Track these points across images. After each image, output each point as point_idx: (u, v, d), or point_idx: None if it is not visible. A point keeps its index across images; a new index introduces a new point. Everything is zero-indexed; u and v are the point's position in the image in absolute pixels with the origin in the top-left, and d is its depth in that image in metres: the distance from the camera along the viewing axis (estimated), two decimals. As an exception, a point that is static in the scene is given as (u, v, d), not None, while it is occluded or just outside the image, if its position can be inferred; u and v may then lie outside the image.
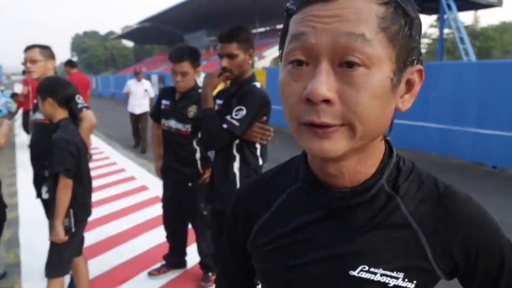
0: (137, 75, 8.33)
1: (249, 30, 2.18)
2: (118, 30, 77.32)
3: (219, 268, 0.85)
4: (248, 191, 0.75)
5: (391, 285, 0.57)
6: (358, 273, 0.58)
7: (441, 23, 16.61)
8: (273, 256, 0.66)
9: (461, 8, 15.61)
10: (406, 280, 0.57)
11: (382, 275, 0.58)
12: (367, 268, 0.58)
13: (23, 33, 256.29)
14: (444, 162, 6.73)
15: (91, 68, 77.80)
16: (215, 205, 2.26)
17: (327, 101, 0.49)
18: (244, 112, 2.04)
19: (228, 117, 2.05)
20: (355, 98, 0.49)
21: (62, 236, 2.19)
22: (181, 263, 3.14)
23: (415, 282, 0.58)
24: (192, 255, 3.10)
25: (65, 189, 2.18)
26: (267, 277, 0.69)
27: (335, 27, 0.49)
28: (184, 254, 3.12)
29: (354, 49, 0.49)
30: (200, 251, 2.92)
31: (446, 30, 19.10)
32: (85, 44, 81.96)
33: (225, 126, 2.03)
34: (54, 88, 2.28)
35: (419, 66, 0.56)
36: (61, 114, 2.31)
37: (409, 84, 0.56)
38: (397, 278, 0.57)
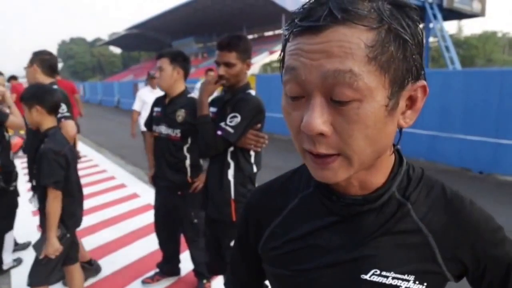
0: (152, 81, 6.27)
1: (248, 39, 2.19)
2: (105, 37, 76.85)
3: (228, 274, 0.86)
4: (260, 197, 0.76)
5: (402, 287, 0.59)
6: (370, 276, 0.60)
7: (427, 32, 16.93)
8: (284, 260, 0.67)
9: (446, 18, 15.97)
10: (417, 282, 0.59)
11: (393, 278, 0.59)
12: (378, 272, 0.60)
13: (9, 38, 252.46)
14: (433, 168, 6.83)
15: (78, 75, 76.95)
16: (209, 213, 2.26)
17: (321, 133, 0.51)
18: (238, 119, 2.05)
19: (222, 124, 2.06)
20: (348, 130, 0.51)
21: (57, 246, 2.15)
22: (175, 271, 3.11)
23: (425, 284, 0.60)
24: (186, 263, 3.08)
25: (55, 201, 2.15)
26: (278, 281, 0.70)
27: (322, 64, 0.49)
28: (178, 261, 3.10)
29: (343, 86, 0.49)
30: (193, 259, 2.90)
31: (430, 39, 19.47)
32: (71, 50, 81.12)
33: (219, 133, 2.04)
34: (42, 95, 2.22)
35: (422, 82, 0.55)
36: (49, 122, 2.26)
37: (411, 100, 0.56)
38: (408, 281, 0.59)
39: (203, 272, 2.87)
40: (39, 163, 2.15)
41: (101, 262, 3.40)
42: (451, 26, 71.15)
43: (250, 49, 2.16)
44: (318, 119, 0.50)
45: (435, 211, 0.62)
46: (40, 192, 2.24)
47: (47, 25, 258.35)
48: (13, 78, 8.82)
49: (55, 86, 2.85)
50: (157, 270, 3.09)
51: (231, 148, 2.13)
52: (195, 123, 2.19)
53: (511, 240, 0.64)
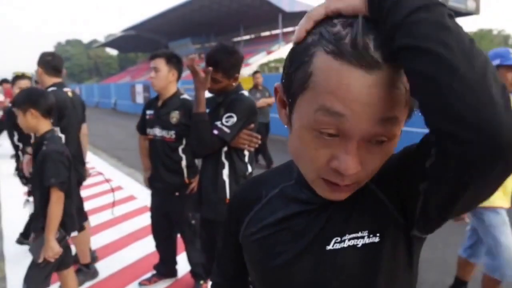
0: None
1: (238, 53, 2.17)
2: (101, 39, 76.70)
3: (215, 264, 0.88)
4: (245, 188, 0.80)
5: (360, 245, 0.60)
6: (332, 246, 0.62)
7: (422, 31, 16.95)
8: (260, 245, 0.70)
9: (441, 16, 15.98)
10: (371, 235, 0.60)
11: (350, 239, 0.61)
12: (339, 239, 0.62)
13: (5, 41, 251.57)
14: (429, 166, 6.85)
15: (74, 77, 76.82)
16: (205, 214, 2.26)
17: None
18: (234, 119, 2.07)
19: (218, 124, 2.06)
20: (374, 164, 0.54)
21: (57, 249, 2.14)
22: (172, 272, 3.11)
23: (378, 235, 0.60)
24: (183, 264, 3.08)
25: (59, 202, 2.13)
26: (256, 267, 0.72)
27: (373, 111, 0.48)
28: (175, 263, 3.10)
29: (386, 132, 0.51)
30: (190, 260, 2.90)
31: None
32: (67, 52, 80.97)
33: (215, 132, 2.05)
34: (36, 99, 2.20)
35: None
36: (45, 126, 2.24)
37: None
38: (363, 237, 0.60)
39: (200, 273, 2.87)
40: (42, 165, 2.13)
41: (98, 264, 3.39)
42: (447, 25, 71.42)
43: (239, 64, 2.16)
44: (356, 162, 0.52)
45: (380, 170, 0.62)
46: (39, 195, 2.20)
47: (43, 28, 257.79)
48: (5, 81, 8.62)
49: (67, 89, 3.03)
50: (154, 271, 3.09)
51: (225, 148, 2.14)
52: (191, 119, 2.16)
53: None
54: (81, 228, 3.15)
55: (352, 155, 0.51)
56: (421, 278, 0.63)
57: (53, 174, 2.11)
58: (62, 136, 2.92)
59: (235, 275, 0.84)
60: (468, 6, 16.40)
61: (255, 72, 7.21)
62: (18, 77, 3.60)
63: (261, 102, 6.64)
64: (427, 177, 0.51)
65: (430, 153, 0.49)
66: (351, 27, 0.48)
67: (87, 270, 3.14)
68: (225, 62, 2.08)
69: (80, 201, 3.33)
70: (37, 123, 2.20)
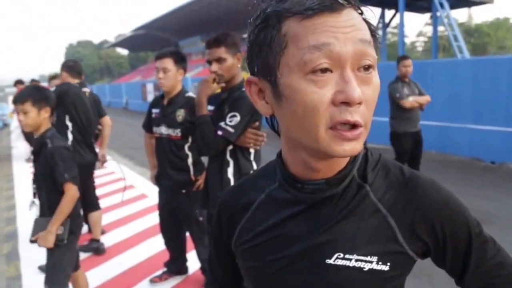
0: None
1: (235, 34, 2.21)
2: (112, 39, 77.40)
3: (208, 273, 0.87)
4: (231, 196, 0.78)
5: (366, 269, 0.60)
6: (334, 261, 0.62)
7: (435, 22, 16.69)
8: (254, 253, 0.70)
9: (453, 6, 15.67)
10: (380, 263, 0.61)
11: (357, 260, 0.61)
12: (342, 255, 0.61)
13: (15, 44, 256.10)
14: (444, 159, 6.75)
15: (86, 77, 77.72)
16: (211, 211, 2.26)
17: (359, 103, 0.55)
18: (238, 118, 2.07)
19: (222, 124, 2.06)
20: (372, 97, 0.56)
21: (51, 244, 2.11)
22: (182, 269, 3.13)
23: (388, 264, 0.61)
24: (193, 261, 3.09)
25: (73, 197, 2.14)
26: (250, 274, 0.72)
27: (354, 35, 0.54)
28: (185, 260, 3.12)
29: (368, 54, 0.55)
30: (200, 256, 2.90)
31: (441, 28, 19.13)
32: (79, 53, 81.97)
33: (220, 132, 2.05)
34: (50, 96, 2.24)
35: None
36: (48, 123, 2.25)
37: None
38: (371, 262, 0.61)
39: (210, 270, 2.87)
40: (51, 162, 2.12)
41: (110, 262, 3.44)
42: (461, 14, 70.03)
43: (238, 43, 2.18)
44: (358, 88, 0.53)
45: (393, 191, 0.63)
46: (46, 194, 2.21)
47: (55, 29, 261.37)
48: (19, 82, 8.83)
49: (86, 89, 3.77)
50: (165, 269, 3.11)
51: (230, 147, 2.14)
52: (195, 123, 2.19)
53: (473, 217, 0.65)
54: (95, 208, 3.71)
55: (353, 82, 0.54)
56: (433, 270, 0.63)
57: (66, 170, 2.12)
58: (70, 125, 3.45)
59: (229, 282, 0.83)
60: (482, -5, 16.04)
61: (403, 58, 4.66)
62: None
63: (411, 101, 4.50)
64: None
65: None
66: None
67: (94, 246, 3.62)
68: (224, 37, 2.13)
69: (93, 188, 3.85)
70: (45, 120, 2.22)
